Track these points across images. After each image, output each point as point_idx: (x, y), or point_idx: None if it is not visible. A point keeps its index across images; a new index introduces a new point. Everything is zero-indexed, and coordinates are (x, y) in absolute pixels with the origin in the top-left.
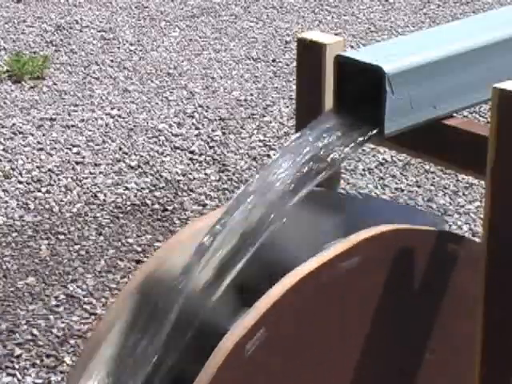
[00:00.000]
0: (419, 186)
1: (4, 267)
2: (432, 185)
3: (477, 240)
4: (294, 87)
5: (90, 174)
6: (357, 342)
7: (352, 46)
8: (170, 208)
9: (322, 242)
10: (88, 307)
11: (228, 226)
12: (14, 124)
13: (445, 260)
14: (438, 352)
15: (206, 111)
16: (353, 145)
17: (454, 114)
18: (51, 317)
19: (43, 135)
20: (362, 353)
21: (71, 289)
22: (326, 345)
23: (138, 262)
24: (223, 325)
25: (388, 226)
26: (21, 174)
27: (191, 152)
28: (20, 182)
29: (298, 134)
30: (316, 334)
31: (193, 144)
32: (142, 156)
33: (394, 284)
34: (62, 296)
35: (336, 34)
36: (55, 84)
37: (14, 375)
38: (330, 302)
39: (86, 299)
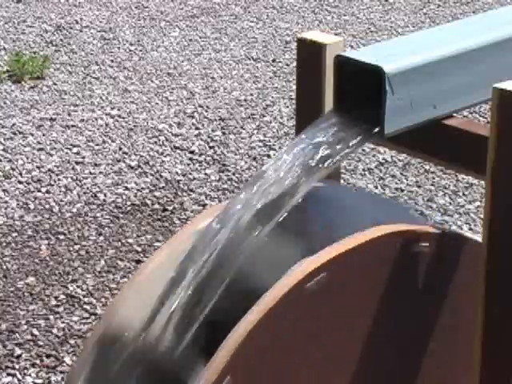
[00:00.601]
0: (419, 186)
1: (4, 267)
2: (432, 185)
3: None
4: (294, 87)
5: (90, 173)
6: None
7: (352, 46)
8: (169, 208)
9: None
10: (88, 307)
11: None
12: (14, 124)
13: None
14: (436, 354)
15: (206, 111)
16: (353, 144)
17: (454, 114)
18: (51, 317)
19: (43, 135)
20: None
21: (71, 289)
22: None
23: (138, 262)
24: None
25: (352, 241)
26: (21, 174)
27: (191, 152)
28: (20, 182)
29: (298, 135)
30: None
31: (193, 144)
32: (142, 156)
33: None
34: (62, 296)
35: (336, 34)
36: (55, 84)
37: (14, 375)
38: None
39: (86, 299)
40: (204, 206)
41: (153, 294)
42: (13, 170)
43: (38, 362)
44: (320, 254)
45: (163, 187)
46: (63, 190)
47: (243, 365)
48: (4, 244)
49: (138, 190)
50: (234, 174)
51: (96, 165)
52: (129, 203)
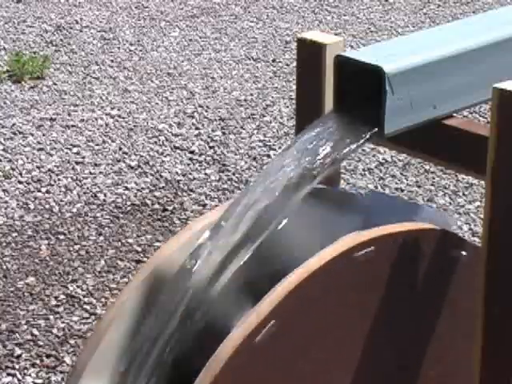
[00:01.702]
0: (419, 186)
1: (4, 267)
2: (432, 185)
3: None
4: (294, 87)
5: (90, 173)
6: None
7: (352, 46)
8: (169, 208)
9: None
10: (88, 307)
11: (233, 219)
12: (14, 124)
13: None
14: (436, 353)
15: (206, 111)
16: (353, 145)
17: (454, 114)
18: (51, 317)
19: (43, 135)
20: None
21: (71, 289)
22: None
23: (138, 261)
24: (231, 318)
25: (403, 226)
26: (21, 174)
27: (191, 152)
28: (20, 182)
29: (298, 135)
30: (330, 324)
31: (193, 144)
32: (142, 156)
33: (405, 281)
34: (62, 296)
35: (336, 34)
36: (55, 84)
37: (14, 375)
38: (342, 292)
39: (86, 299)
40: (204, 206)
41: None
42: (13, 169)
43: (38, 362)
44: (368, 231)
45: (163, 187)
46: (63, 190)
47: (289, 312)
48: (4, 244)
49: (137, 189)
50: (233, 174)
51: (96, 165)
52: (129, 203)
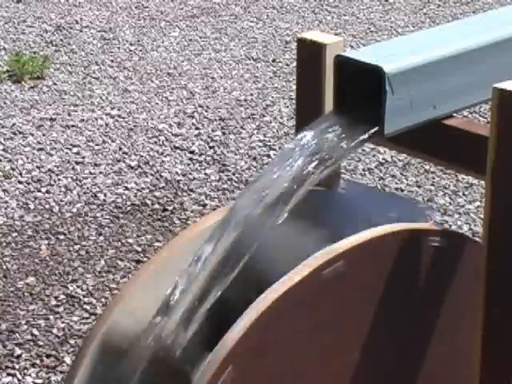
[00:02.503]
0: (419, 186)
1: (4, 267)
2: (432, 185)
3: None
4: (294, 87)
5: (90, 173)
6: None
7: (352, 46)
8: (169, 208)
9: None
10: (88, 307)
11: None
12: (14, 124)
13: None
14: (436, 353)
15: (206, 111)
16: (353, 145)
17: (454, 114)
18: (51, 317)
19: (43, 135)
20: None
21: (71, 289)
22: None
23: (138, 261)
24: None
25: (374, 231)
26: (21, 174)
27: (191, 152)
28: (20, 182)
29: (298, 135)
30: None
31: (193, 144)
32: (142, 156)
33: (387, 285)
34: (62, 296)
35: (336, 34)
36: (55, 84)
37: (14, 375)
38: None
39: (86, 299)
40: (204, 206)
41: (161, 284)
42: (13, 170)
43: (38, 362)
44: (337, 244)
45: (163, 187)
46: (63, 190)
47: (245, 356)
48: (4, 244)
49: (138, 189)
50: (233, 174)
51: (96, 165)
52: (129, 203)
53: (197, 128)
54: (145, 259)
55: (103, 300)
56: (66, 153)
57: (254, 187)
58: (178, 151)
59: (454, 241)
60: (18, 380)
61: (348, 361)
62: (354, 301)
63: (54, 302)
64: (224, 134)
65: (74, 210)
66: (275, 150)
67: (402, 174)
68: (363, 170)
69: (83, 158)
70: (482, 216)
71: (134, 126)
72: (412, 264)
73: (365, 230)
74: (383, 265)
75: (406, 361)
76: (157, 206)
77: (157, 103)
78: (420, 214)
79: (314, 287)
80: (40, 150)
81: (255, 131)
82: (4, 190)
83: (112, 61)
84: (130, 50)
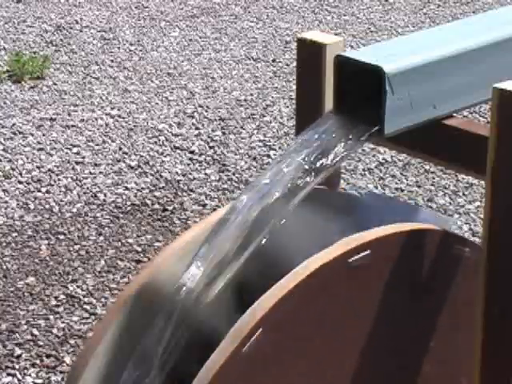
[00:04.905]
0: (419, 186)
1: (4, 267)
2: (432, 185)
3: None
4: (294, 87)
5: (90, 173)
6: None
7: (352, 46)
8: (169, 208)
9: (331, 241)
10: (88, 307)
11: (228, 225)
12: (14, 124)
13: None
14: (436, 353)
15: (206, 111)
16: (353, 145)
17: (454, 114)
18: (51, 317)
19: (43, 135)
20: (364, 351)
21: (71, 289)
22: (333, 337)
23: (138, 261)
24: (222, 326)
25: (400, 227)
26: (21, 174)
27: (191, 152)
28: (20, 182)
29: (298, 136)
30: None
31: (193, 144)
32: (142, 156)
33: (404, 283)
34: (62, 296)
35: (336, 34)
36: (55, 84)
37: (14, 375)
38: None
39: (86, 299)
40: (204, 206)
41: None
42: (13, 170)
43: (38, 362)
44: (362, 234)
45: (163, 187)
46: (63, 190)
47: (276, 321)
48: (4, 244)
49: (138, 189)
50: (233, 174)
51: (96, 165)
52: (129, 203)
53: (197, 128)
54: (145, 259)
55: (103, 300)
56: (66, 153)
57: (254, 188)
58: (177, 151)
59: (474, 250)
60: (18, 380)
61: (366, 350)
62: (376, 291)
63: (53, 302)
64: (224, 133)
65: (74, 210)
66: (275, 149)
67: (402, 174)
68: (363, 169)
69: (83, 158)
70: (482, 216)
71: (134, 125)
72: (410, 264)
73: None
74: (404, 261)
75: (405, 360)
76: (157, 205)
77: (157, 103)
78: (443, 224)
79: (343, 272)
80: (40, 150)
81: (255, 131)
82: (4, 190)
83: (112, 61)
84: (130, 50)
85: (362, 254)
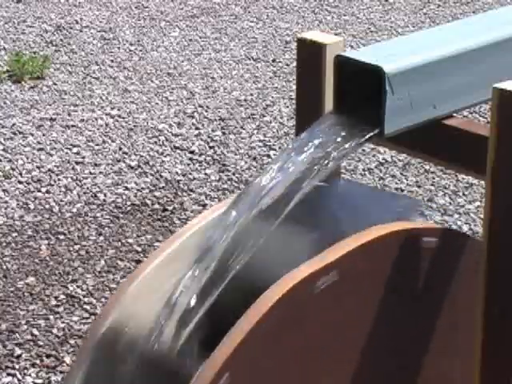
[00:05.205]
0: (419, 186)
1: (4, 267)
2: (432, 185)
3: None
4: (294, 87)
5: (90, 173)
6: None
7: (352, 46)
8: (169, 208)
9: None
10: (88, 307)
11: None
12: (14, 124)
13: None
14: (436, 353)
15: (206, 111)
16: (353, 145)
17: (454, 114)
18: (51, 317)
19: (43, 135)
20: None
21: (71, 289)
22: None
23: (138, 261)
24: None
25: (359, 237)
26: (21, 174)
27: (191, 152)
28: (20, 182)
29: (298, 136)
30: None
31: (193, 144)
32: (142, 156)
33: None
34: (62, 296)
35: (336, 34)
36: (55, 84)
37: (14, 375)
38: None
39: (86, 299)
40: (204, 206)
41: (155, 289)
42: (13, 170)
43: (38, 362)
44: (328, 251)
45: (163, 187)
46: (63, 190)
47: (243, 363)
48: (4, 244)
49: (138, 189)
50: (234, 174)
51: (96, 165)
52: (129, 203)
53: (197, 128)
54: (145, 259)
55: (103, 300)
56: (66, 153)
57: (253, 187)
58: (178, 151)
59: (452, 240)
60: (18, 380)
61: (348, 369)
62: (350, 310)
63: (53, 302)
64: (224, 133)
65: (74, 210)
66: (275, 149)
67: (402, 173)
68: (363, 169)
69: (83, 158)
70: (482, 216)
71: (134, 125)
72: (409, 265)
73: (354, 234)
74: (379, 268)
75: (405, 361)
76: (157, 205)
77: (157, 103)
78: (411, 207)
79: (305, 299)
80: (40, 150)
81: (255, 131)
82: (4, 190)
83: (112, 61)
84: (130, 50)
85: (328, 275)
